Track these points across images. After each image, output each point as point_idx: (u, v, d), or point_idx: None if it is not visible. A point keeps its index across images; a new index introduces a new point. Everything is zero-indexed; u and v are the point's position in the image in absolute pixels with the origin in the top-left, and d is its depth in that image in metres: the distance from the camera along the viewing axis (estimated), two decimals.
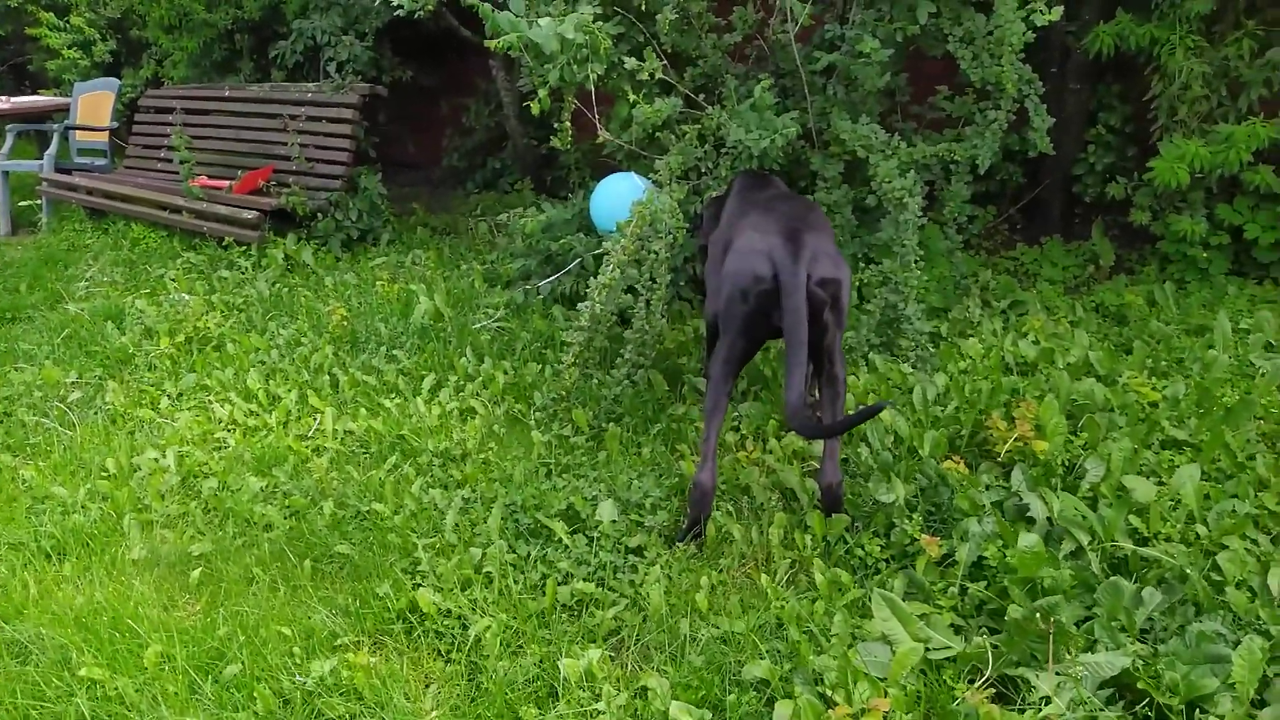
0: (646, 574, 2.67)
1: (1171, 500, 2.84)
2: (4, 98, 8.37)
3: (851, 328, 3.94)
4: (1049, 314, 4.37)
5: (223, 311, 4.89)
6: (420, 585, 2.66)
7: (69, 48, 8.40)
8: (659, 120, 4.13)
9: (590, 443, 3.44)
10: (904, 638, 2.36)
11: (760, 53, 4.75)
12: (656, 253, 3.66)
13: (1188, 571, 2.46)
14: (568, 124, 4.47)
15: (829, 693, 2.22)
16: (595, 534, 2.84)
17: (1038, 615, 2.21)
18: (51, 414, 3.89)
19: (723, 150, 4.23)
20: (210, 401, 3.92)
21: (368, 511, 3.06)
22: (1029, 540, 2.55)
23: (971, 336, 4.09)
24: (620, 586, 2.65)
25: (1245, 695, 2.09)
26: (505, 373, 3.98)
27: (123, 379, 4.20)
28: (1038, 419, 3.18)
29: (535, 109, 4.06)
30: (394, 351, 4.27)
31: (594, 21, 3.87)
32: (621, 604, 2.57)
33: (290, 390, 3.95)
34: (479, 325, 4.49)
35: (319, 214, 6.06)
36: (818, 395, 3.07)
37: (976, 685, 2.22)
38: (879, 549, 2.75)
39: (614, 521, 2.88)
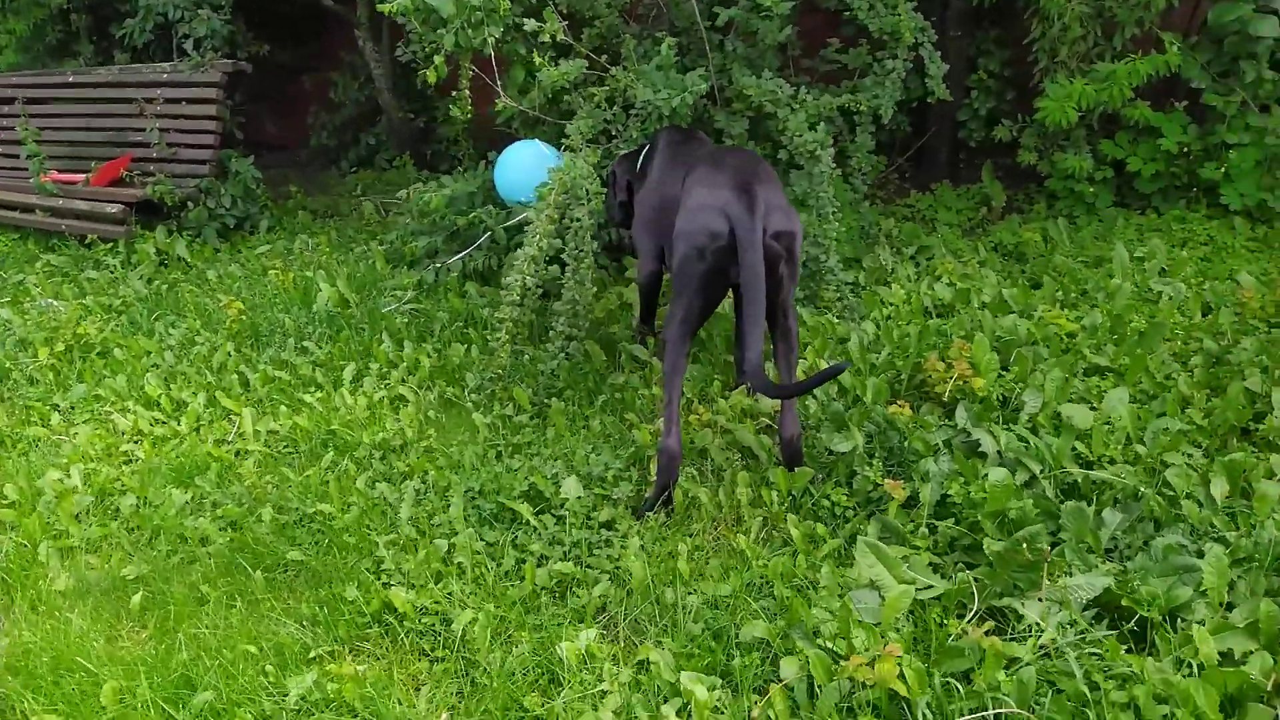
0: (624, 547, 2.62)
1: (1107, 424, 2.97)
2: None
3: None
4: (955, 256, 4.50)
5: (100, 315, 4.52)
6: (390, 584, 2.53)
7: None
8: (565, 83, 4.01)
9: (535, 420, 3.34)
10: (891, 582, 2.39)
11: (657, 10, 4.68)
12: (580, 220, 3.56)
13: (1142, 490, 2.59)
14: (466, 92, 4.29)
15: (828, 644, 2.23)
16: (563, 512, 2.76)
17: (1024, 546, 2.28)
18: None
19: (631, 111, 4.14)
20: (108, 413, 3.61)
21: (314, 513, 2.88)
22: (999, 474, 2.62)
23: (890, 283, 4.17)
24: (599, 563, 2.59)
25: (1217, 600, 2.21)
26: (429, 356, 3.82)
27: (1, 396, 3.82)
28: (972, 357, 3.27)
29: (431, 78, 3.88)
30: (304, 343, 4.03)
31: None
32: (604, 580, 2.51)
33: (195, 393, 3.69)
34: (390, 309, 4.29)
35: (189, 203, 5.67)
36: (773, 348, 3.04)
37: (968, 620, 2.27)
38: (844, 498, 2.77)
39: (580, 498, 2.81)
